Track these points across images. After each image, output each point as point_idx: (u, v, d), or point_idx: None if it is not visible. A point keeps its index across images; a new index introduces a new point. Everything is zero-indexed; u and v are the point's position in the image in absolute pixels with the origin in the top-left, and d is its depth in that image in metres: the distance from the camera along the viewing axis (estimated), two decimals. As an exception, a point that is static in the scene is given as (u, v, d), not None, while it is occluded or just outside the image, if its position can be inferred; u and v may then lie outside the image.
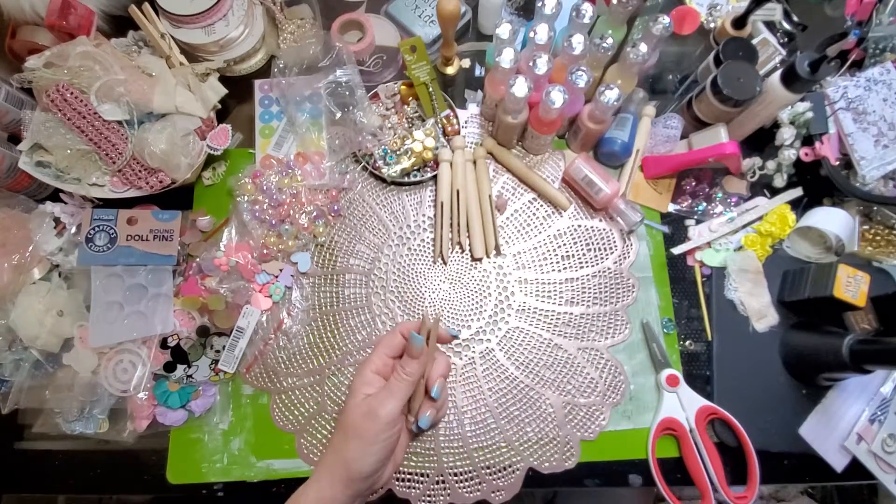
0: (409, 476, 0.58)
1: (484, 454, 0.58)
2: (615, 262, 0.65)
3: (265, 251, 0.62)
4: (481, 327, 0.63)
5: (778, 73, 0.60)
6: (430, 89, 0.65)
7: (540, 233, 0.66)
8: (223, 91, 0.64)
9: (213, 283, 0.60)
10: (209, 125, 0.63)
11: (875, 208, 0.65)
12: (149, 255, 0.59)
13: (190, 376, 0.58)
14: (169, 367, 0.58)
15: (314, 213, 0.64)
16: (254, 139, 0.67)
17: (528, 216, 0.67)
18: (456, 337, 0.51)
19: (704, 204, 0.67)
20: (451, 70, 0.72)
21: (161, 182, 0.60)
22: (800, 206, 0.67)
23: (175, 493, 0.57)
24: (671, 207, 0.67)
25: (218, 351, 0.59)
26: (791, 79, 0.59)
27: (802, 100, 0.63)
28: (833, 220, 0.61)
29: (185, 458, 0.58)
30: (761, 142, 0.67)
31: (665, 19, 0.57)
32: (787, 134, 0.64)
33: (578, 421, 0.59)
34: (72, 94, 0.57)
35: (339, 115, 0.65)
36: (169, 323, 0.58)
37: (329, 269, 0.64)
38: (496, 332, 0.63)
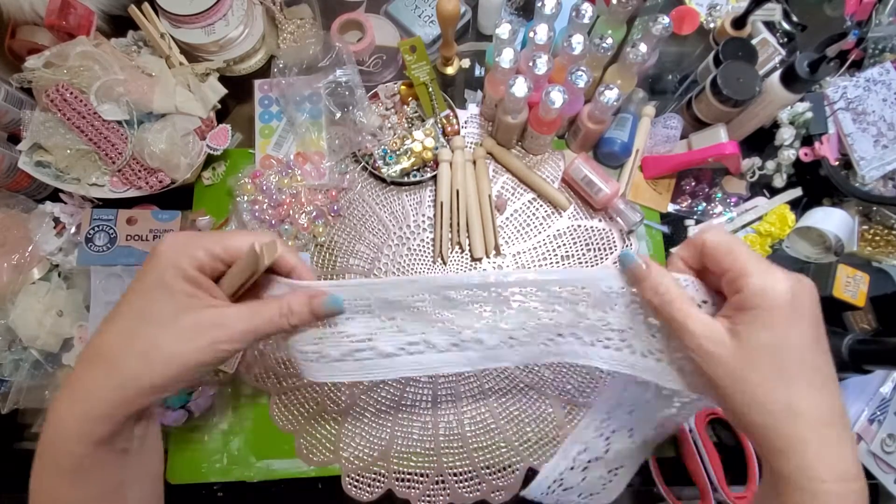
0: (408, 476, 0.57)
1: (484, 454, 0.58)
2: (615, 262, 0.65)
3: (265, 251, 0.62)
4: (481, 327, 0.63)
5: (777, 73, 0.60)
6: (430, 89, 0.65)
7: (540, 233, 0.66)
8: (223, 91, 0.64)
9: (212, 283, 0.60)
10: (209, 125, 0.63)
11: (874, 208, 0.65)
12: (148, 255, 0.59)
13: (190, 376, 0.58)
14: (169, 367, 0.58)
15: (314, 213, 0.64)
16: (253, 139, 0.67)
17: (528, 216, 0.67)
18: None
19: (704, 204, 0.67)
20: (450, 70, 0.72)
21: (161, 182, 0.60)
22: (799, 206, 0.67)
23: (174, 493, 0.57)
24: (671, 207, 0.67)
25: (218, 351, 0.59)
26: (791, 79, 0.59)
27: (802, 100, 0.63)
28: (832, 220, 0.61)
29: (184, 458, 0.58)
30: (761, 142, 0.67)
31: (665, 19, 0.57)
32: (786, 134, 0.64)
33: (578, 421, 0.59)
34: (71, 94, 0.57)
35: (338, 115, 0.65)
36: (169, 323, 0.58)
37: (329, 269, 0.64)
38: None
